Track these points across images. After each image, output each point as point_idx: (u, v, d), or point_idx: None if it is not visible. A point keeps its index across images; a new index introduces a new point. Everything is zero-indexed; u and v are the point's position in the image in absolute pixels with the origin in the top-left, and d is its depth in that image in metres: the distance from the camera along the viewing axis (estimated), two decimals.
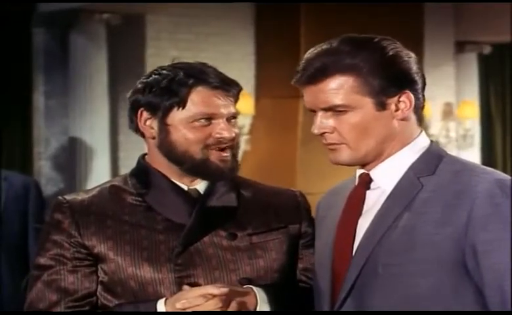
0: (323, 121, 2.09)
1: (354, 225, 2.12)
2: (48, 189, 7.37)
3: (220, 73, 2.27)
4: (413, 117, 2.13)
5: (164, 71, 2.25)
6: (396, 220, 2.05)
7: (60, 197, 2.28)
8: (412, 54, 2.11)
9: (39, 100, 7.59)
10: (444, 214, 2.01)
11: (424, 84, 2.13)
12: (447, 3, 9.53)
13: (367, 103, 2.07)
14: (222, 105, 2.23)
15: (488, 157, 10.52)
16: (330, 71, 2.06)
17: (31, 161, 7.54)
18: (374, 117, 2.07)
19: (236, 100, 2.29)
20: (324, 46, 2.10)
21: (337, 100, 2.06)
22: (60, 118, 7.59)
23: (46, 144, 7.63)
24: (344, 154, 2.10)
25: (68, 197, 2.28)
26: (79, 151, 7.44)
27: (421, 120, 2.15)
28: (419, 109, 2.13)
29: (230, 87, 2.26)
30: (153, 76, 2.26)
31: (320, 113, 2.09)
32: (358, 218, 2.12)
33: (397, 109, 2.09)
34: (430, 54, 8.97)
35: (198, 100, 2.22)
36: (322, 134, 2.10)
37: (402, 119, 2.10)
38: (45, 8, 7.39)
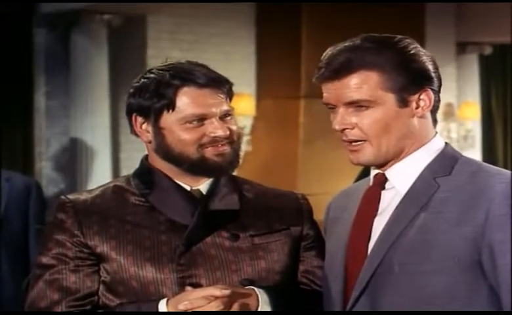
0: (345, 117, 2.10)
1: (369, 225, 2.12)
2: (49, 189, 7.37)
3: (210, 72, 2.25)
4: (429, 117, 2.14)
5: (152, 75, 2.25)
6: (412, 220, 2.06)
7: (63, 197, 2.28)
8: (430, 54, 2.14)
9: (40, 100, 7.60)
10: (461, 214, 2.02)
11: (440, 84, 2.15)
12: (448, 4, 9.53)
13: (390, 99, 2.08)
14: (213, 104, 2.22)
15: (489, 158, 10.51)
16: (354, 66, 2.07)
17: (32, 162, 7.54)
18: (395, 113, 2.08)
19: (229, 96, 2.27)
20: (347, 43, 2.11)
21: (361, 95, 2.07)
22: (61, 118, 7.60)
23: (47, 145, 7.63)
24: (367, 153, 2.10)
25: (71, 196, 2.28)
26: (80, 151, 7.45)
27: (436, 121, 2.16)
28: (435, 109, 2.14)
29: (218, 85, 2.24)
30: (142, 80, 2.26)
31: (341, 109, 2.10)
32: (374, 218, 2.13)
33: (417, 107, 2.10)
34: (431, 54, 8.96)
35: (187, 100, 2.21)
36: (343, 130, 2.11)
37: (421, 117, 2.11)
38: (47, 9, 7.39)
